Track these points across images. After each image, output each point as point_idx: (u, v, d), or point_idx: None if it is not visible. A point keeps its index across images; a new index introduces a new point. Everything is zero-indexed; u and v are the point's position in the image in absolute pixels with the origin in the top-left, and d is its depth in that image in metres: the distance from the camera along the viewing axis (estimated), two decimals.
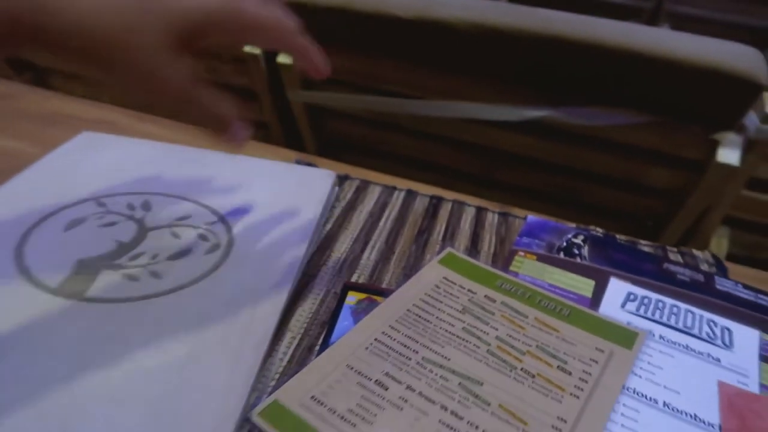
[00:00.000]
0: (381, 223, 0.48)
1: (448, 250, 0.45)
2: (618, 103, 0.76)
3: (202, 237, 0.41)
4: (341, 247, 0.44)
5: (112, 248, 0.38)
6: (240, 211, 0.42)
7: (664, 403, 0.35)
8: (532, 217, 0.51)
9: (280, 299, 0.36)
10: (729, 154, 0.74)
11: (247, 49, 0.85)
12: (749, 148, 0.85)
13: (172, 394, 0.29)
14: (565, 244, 0.48)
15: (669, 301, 0.43)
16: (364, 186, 0.53)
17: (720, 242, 1.02)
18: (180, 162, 0.49)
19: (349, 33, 0.80)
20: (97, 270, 0.36)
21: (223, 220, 0.43)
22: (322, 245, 0.44)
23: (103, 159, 0.48)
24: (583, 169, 0.88)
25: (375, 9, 0.75)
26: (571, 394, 0.34)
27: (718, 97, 0.70)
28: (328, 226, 0.47)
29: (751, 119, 0.83)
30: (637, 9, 2.28)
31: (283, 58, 0.84)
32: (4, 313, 0.33)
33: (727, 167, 0.75)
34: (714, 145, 0.75)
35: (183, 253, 0.39)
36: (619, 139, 0.80)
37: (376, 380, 0.33)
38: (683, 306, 0.43)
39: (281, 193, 0.47)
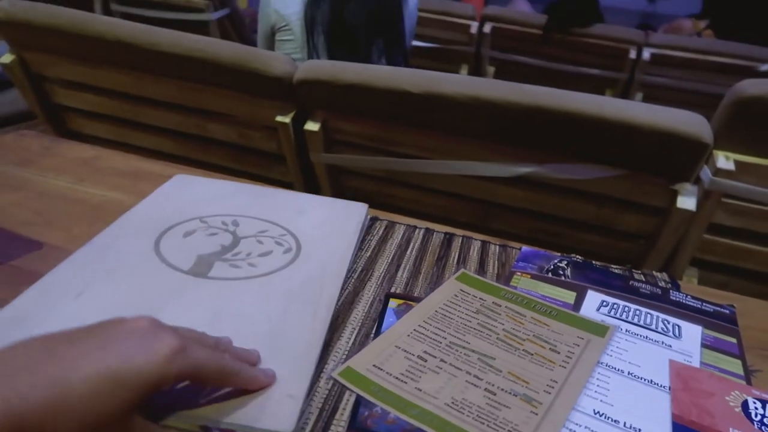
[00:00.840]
0: (408, 252, 0.61)
1: (462, 270, 0.58)
2: (593, 160, 0.91)
3: (278, 243, 0.57)
4: (380, 268, 0.57)
5: (218, 249, 0.55)
6: None
7: (629, 373, 0.47)
8: (526, 247, 0.65)
9: (338, 281, 0.53)
10: (687, 201, 0.89)
11: (279, 118, 1.01)
12: (706, 197, 1.00)
13: (275, 334, 0.44)
14: (552, 266, 0.61)
15: (633, 306, 0.56)
16: (391, 225, 0.66)
17: (690, 281, 1.15)
18: (252, 195, 0.66)
19: (366, 105, 0.95)
20: (212, 261, 0.52)
21: (291, 233, 0.59)
22: (366, 266, 0.57)
23: (197, 192, 0.65)
24: (566, 217, 1.02)
25: (389, 85, 0.91)
26: (560, 365, 0.46)
27: (674, 155, 0.86)
28: (368, 253, 0.60)
29: (705, 172, 0.99)
30: (613, 80, 2.51)
31: (309, 126, 1.00)
32: (157, 285, 0.49)
33: (686, 212, 0.89)
34: (675, 194, 0.90)
35: (267, 253, 0.55)
36: (595, 190, 0.95)
37: (418, 356, 0.46)
38: (644, 310, 0.55)
39: (330, 216, 0.63)
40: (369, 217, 0.66)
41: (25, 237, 0.55)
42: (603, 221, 1.01)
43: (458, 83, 0.88)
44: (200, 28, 2.34)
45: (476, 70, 2.68)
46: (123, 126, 1.22)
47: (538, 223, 1.06)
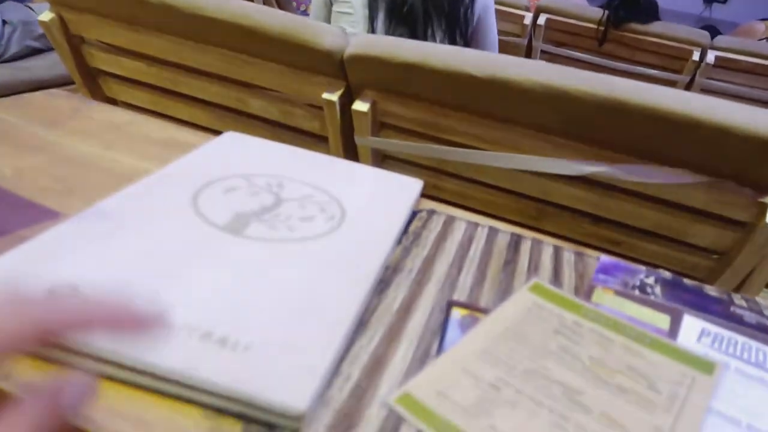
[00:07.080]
0: (471, 253, 0.53)
1: (535, 280, 0.50)
2: (672, 163, 0.81)
3: (322, 209, 0.53)
4: (440, 270, 0.49)
5: (257, 208, 0.51)
6: None
7: (748, 426, 0.38)
8: (605, 257, 0.56)
9: (382, 256, 0.48)
10: None
11: (325, 96, 0.93)
12: None
13: (305, 301, 0.40)
14: (638, 282, 0.52)
15: (741, 338, 0.47)
16: (450, 220, 0.58)
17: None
18: (303, 159, 0.63)
19: (422, 87, 0.87)
20: (248, 220, 0.49)
21: (338, 201, 0.55)
22: (423, 267, 0.49)
23: (246, 151, 0.63)
24: (629, 224, 0.92)
25: (450, 67, 0.82)
26: (662, 409, 0.38)
27: None
28: (425, 251, 0.52)
29: None
30: (672, 82, 2.37)
31: (357, 106, 0.92)
32: (188, 237, 0.46)
33: None
34: (764, 208, 0.79)
35: (309, 218, 0.51)
36: (668, 196, 0.85)
37: (490, 383, 0.38)
38: (754, 344, 0.46)
39: (381, 189, 0.59)
40: (428, 210, 0.58)
41: (40, 205, 0.49)
42: (671, 231, 0.91)
43: (529, 69, 0.80)
44: None
45: None
46: (161, 95, 1.16)
47: (597, 228, 0.97)
